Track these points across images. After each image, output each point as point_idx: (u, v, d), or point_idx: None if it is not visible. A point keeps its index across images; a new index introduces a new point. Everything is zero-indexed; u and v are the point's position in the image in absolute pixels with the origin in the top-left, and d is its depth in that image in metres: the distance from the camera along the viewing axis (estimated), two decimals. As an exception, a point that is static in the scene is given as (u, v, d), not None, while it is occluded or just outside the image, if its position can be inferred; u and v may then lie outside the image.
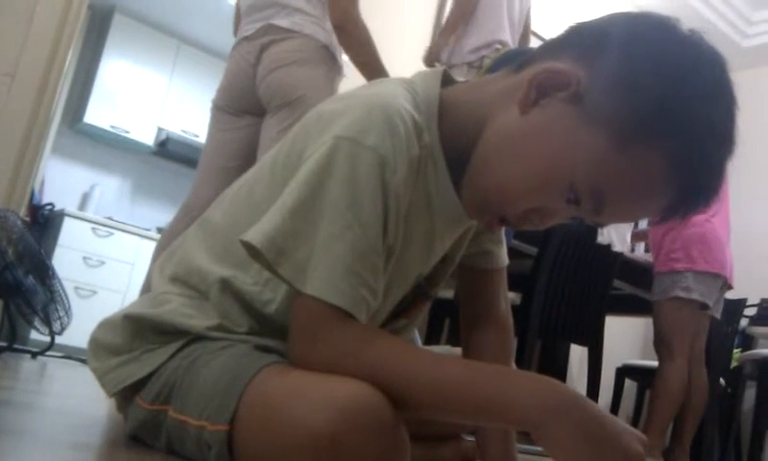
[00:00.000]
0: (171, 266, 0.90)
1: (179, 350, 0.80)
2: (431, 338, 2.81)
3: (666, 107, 0.67)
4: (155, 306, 0.85)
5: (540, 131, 0.72)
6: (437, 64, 2.68)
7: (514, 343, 1.07)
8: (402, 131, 0.74)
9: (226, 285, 0.81)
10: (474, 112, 0.79)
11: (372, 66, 2.01)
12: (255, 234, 0.71)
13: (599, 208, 0.72)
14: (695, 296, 2.74)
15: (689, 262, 2.76)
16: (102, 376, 0.85)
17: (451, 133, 0.80)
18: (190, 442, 0.73)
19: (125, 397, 0.84)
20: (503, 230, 0.97)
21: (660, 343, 2.80)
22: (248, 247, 0.71)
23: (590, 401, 0.64)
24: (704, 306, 2.79)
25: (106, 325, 0.89)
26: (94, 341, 0.89)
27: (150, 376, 0.81)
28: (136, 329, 0.84)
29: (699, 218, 2.76)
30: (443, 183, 0.81)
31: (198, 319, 0.82)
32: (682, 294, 2.74)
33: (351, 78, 2.13)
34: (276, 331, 0.80)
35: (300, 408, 0.64)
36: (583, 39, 0.74)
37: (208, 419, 0.70)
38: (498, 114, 0.77)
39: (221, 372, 0.73)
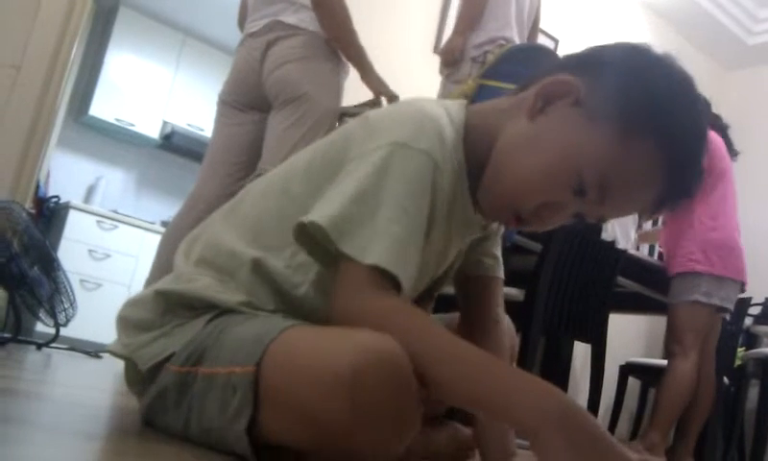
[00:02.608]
0: (197, 249, 0.93)
1: (209, 321, 0.84)
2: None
3: (656, 105, 0.78)
4: (183, 284, 0.88)
5: (549, 130, 0.83)
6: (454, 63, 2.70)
7: (511, 352, 1.11)
8: (448, 140, 0.84)
9: (257, 265, 0.86)
10: (487, 128, 0.89)
11: (350, 44, 2.01)
12: (319, 217, 0.77)
13: (603, 198, 0.80)
14: (715, 301, 2.75)
15: (708, 265, 2.76)
16: (134, 352, 0.87)
17: (469, 148, 0.89)
18: (214, 394, 0.76)
19: (148, 374, 0.86)
20: (500, 245, 1.08)
21: (673, 341, 2.80)
22: (303, 228, 0.79)
23: (591, 419, 0.66)
24: (721, 309, 2.81)
25: (135, 302, 0.92)
26: (123, 319, 0.92)
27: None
28: (167, 305, 0.88)
29: (720, 223, 2.79)
30: (464, 192, 0.90)
31: (226, 295, 0.85)
32: (702, 299, 2.75)
33: (355, 74, 2.13)
34: (302, 314, 0.84)
35: (325, 348, 0.70)
36: (578, 58, 0.86)
37: (237, 364, 0.74)
38: (508, 125, 0.87)
39: (253, 328, 0.78)
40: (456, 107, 0.91)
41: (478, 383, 0.70)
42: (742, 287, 2.87)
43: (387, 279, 0.76)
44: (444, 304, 1.10)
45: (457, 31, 2.72)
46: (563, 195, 0.82)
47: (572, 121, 0.81)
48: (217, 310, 0.84)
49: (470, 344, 0.73)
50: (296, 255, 0.85)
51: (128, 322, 0.91)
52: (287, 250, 0.85)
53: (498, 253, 1.09)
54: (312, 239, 0.80)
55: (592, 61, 0.84)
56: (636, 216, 2.78)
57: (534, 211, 0.84)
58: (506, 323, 1.10)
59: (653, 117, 0.78)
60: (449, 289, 1.07)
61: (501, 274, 1.08)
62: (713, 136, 2.90)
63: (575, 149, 0.80)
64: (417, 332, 0.72)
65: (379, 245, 0.76)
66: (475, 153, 0.88)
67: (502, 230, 1.10)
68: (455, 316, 1.08)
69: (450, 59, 2.70)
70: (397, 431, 0.68)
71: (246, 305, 0.84)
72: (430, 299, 1.02)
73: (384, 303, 0.75)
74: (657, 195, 0.81)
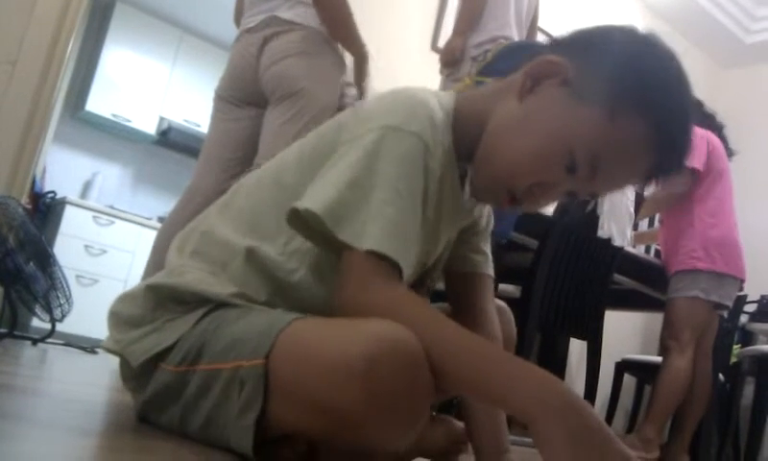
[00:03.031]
0: (192, 243, 0.93)
1: (201, 317, 0.83)
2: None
3: (645, 82, 0.80)
4: (173, 278, 0.88)
5: (539, 110, 0.84)
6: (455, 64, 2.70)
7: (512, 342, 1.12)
8: (439, 123, 0.85)
9: (251, 254, 0.86)
10: (477, 112, 0.90)
11: (351, 37, 2.01)
12: (313, 203, 0.77)
13: (594, 174, 0.82)
14: (714, 297, 2.77)
15: (710, 262, 2.77)
16: (125, 348, 0.87)
17: (459, 133, 0.89)
18: (217, 389, 0.76)
19: (142, 370, 0.85)
20: (489, 241, 1.08)
21: (669, 336, 2.81)
22: (296, 214, 0.79)
23: (592, 411, 0.67)
24: (719, 306, 2.83)
25: (126, 298, 0.92)
26: (114, 314, 0.91)
27: (173, 345, 0.83)
28: (157, 300, 0.87)
29: (719, 220, 2.81)
30: (454, 176, 0.91)
31: (218, 287, 0.85)
32: (701, 295, 2.76)
33: (353, 70, 2.13)
34: (297, 301, 0.84)
35: (337, 338, 0.70)
36: (565, 40, 0.88)
37: (243, 358, 0.74)
38: (498, 108, 0.88)
39: (255, 322, 0.77)
40: (446, 95, 0.92)
41: (481, 371, 0.70)
42: (741, 285, 2.88)
43: (387, 263, 0.76)
44: (433, 299, 1.09)
45: (457, 31, 2.73)
46: (555, 174, 0.83)
47: (561, 100, 0.83)
48: (208, 305, 0.84)
49: (474, 334, 0.74)
50: (290, 242, 0.86)
51: (119, 317, 0.91)
52: (281, 237, 0.86)
53: (488, 249, 1.08)
54: (306, 225, 0.80)
55: (579, 42, 0.86)
56: (633, 213, 2.79)
57: (527, 191, 0.85)
58: (506, 314, 1.10)
59: (640, 94, 0.80)
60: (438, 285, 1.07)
61: (491, 271, 1.08)
62: (712, 137, 2.91)
63: (565, 128, 0.81)
64: (423, 323, 0.72)
65: (374, 228, 0.76)
66: (465, 137, 0.89)
67: (491, 226, 1.09)
68: (444, 306, 1.08)
69: (450, 59, 2.70)
70: (410, 420, 0.69)
71: (237, 297, 0.84)
72: (423, 289, 1.01)
73: (389, 293, 0.76)
74: (647, 169, 0.83)
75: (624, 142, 0.80)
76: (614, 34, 0.85)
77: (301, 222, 0.80)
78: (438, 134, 0.84)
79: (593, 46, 0.84)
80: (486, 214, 1.08)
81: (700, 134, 2.90)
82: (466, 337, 0.73)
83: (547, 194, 0.86)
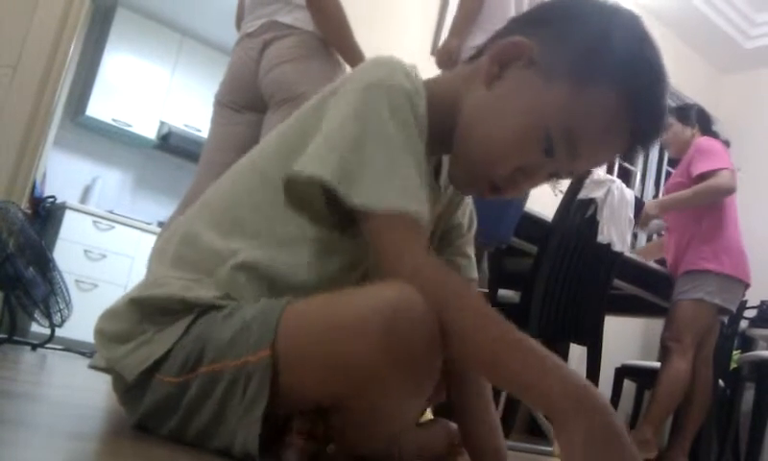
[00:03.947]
0: (172, 246, 0.91)
1: (190, 324, 0.82)
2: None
3: (605, 49, 0.80)
4: (156, 289, 0.86)
5: (509, 95, 0.84)
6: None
7: None
8: (414, 81, 0.83)
9: (241, 260, 0.84)
10: (446, 93, 0.88)
11: (348, 46, 2.01)
12: (319, 168, 0.76)
13: (573, 151, 0.81)
14: (717, 300, 2.78)
15: (718, 264, 2.79)
16: (118, 363, 0.85)
17: (428, 112, 0.86)
18: (219, 389, 0.76)
19: (136, 383, 0.84)
20: (473, 244, 1.06)
21: (671, 338, 2.81)
22: (293, 184, 0.79)
23: (618, 422, 0.67)
24: (722, 311, 2.85)
25: (109, 315, 0.90)
26: (100, 332, 0.89)
27: (166, 355, 0.81)
28: (143, 313, 0.85)
29: (726, 225, 2.86)
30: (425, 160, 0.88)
31: (202, 291, 0.83)
32: (706, 297, 2.77)
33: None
34: (289, 290, 0.82)
35: (351, 300, 0.71)
36: (527, 17, 0.88)
37: (248, 352, 0.74)
38: (467, 96, 0.87)
39: (250, 314, 0.77)
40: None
41: (517, 358, 0.70)
42: (745, 290, 2.90)
43: (409, 219, 0.76)
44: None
45: (453, 33, 2.72)
46: (534, 157, 0.83)
47: (529, 82, 0.82)
48: (195, 311, 0.82)
49: (512, 326, 0.72)
50: (274, 235, 0.85)
51: (104, 335, 0.88)
52: (265, 226, 0.85)
53: (471, 253, 1.07)
54: (300, 197, 0.80)
55: (539, 17, 0.86)
56: (632, 219, 2.79)
57: (508, 178, 0.85)
58: None
59: (604, 62, 0.79)
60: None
61: (475, 274, 1.07)
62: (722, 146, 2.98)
63: (536, 110, 0.81)
64: (470, 306, 0.73)
65: (389, 188, 0.76)
66: (434, 116, 0.87)
67: (474, 228, 1.08)
68: None
69: (446, 59, 2.69)
70: (425, 376, 0.71)
71: (222, 299, 0.83)
72: None
73: (421, 258, 0.75)
74: (625, 139, 0.83)
75: (596, 112, 0.80)
76: (572, 4, 0.85)
77: (296, 194, 0.80)
78: (417, 88, 0.83)
79: (554, 20, 0.84)
80: (467, 215, 1.07)
81: (716, 141, 2.97)
82: (506, 323, 0.72)
83: (529, 179, 0.86)
